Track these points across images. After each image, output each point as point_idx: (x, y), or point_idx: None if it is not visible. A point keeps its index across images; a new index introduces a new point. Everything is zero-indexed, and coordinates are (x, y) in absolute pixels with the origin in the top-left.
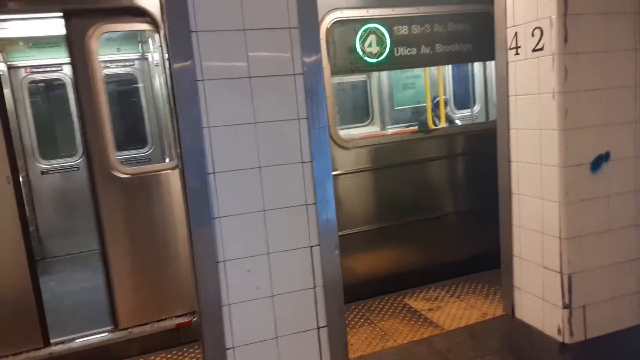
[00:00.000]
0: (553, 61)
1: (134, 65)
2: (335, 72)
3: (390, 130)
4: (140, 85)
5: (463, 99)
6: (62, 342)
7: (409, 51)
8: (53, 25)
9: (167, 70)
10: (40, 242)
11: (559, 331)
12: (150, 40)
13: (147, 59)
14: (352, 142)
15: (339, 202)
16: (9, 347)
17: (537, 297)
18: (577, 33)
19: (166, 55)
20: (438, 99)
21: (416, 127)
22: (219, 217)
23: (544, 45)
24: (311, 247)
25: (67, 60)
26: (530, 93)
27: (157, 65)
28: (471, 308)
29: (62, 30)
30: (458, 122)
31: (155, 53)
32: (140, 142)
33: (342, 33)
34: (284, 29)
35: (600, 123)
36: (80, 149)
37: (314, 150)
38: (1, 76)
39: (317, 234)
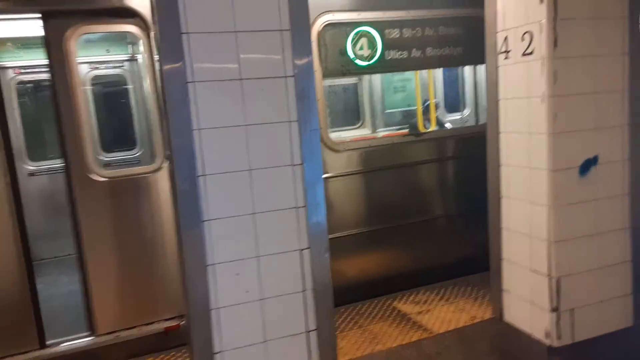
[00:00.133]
0: (542, 65)
1: (123, 66)
2: (326, 74)
3: (381, 133)
4: (129, 86)
5: (454, 103)
6: (57, 344)
7: (400, 54)
8: (41, 25)
9: (158, 72)
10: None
11: (547, 335)
12: (141, 41)
13: (137, 60)
14: (343, 144)
15: (329, 204)
16: (4, 348)
17: (526, 301)
18: (567, 37)
19: (156, 57)
20: (429, 102)
21: (407, 130)
22: (209, 220)
23: (533, 49)
24: (301, 250)
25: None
26: (519, 97)
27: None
28: (460, 311)
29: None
30: (449, 125)
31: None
32: (129, 144)
33: (333, 36)
34: (276, 32)
35: (589, 127)
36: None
37: (305, 153)
38: None
39: (307, 237)
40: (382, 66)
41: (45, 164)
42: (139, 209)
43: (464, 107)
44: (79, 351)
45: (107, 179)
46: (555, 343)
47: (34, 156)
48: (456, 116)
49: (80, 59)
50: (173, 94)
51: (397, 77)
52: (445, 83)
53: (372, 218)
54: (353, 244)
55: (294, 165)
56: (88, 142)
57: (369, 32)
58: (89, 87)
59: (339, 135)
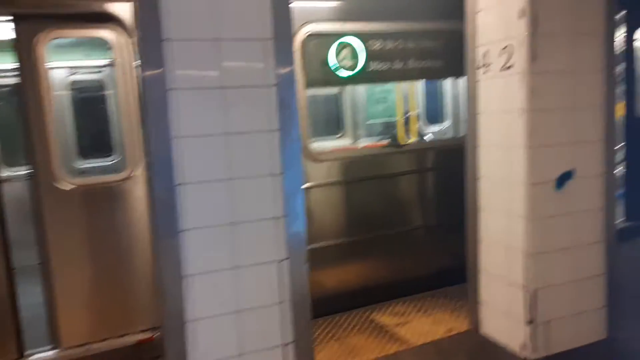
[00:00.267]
0: (521, 80)
1: (103, 71)
2: (308, 84)
3: (362, 143)
4: (109, 92)
5: (434, 115)
6: (36, 354)
7: (382, 66)
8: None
9: (138, 78)
10: None
11: (523, 347)
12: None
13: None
14: (323, 154)
15: (308, 214)
16: None
17: (502, 313)
18: (545, 53)
19: (137, 63)
20: (409, 113)
21: (388, 141)
22: (186, 230)
23: (513, 63)
24: (280, 261)
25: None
26: (498, 110)
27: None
28: (438, 323)
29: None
30: (429, 137)
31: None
32: (106, 150)
33: (316, 46)
34: (258, 40)
35: (566, 141)
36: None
37: (286, 163)
38: None
39: (286, 247)
40: (364, 77)
41: (20, 170)
42: (109, 219)
43: (444, 120)
44: None
45: (74, 187)
46: (531, 356)
47: (8, 162)
48: (436, 128)
49: (57, 64)
50: (153, 100)
51: (378, 88)
52: (426, 95)
53: (352, 228)
54: (332, 255)
55: (274, 175)
56: (55, 149)
57: (351, 43)
58: (67, 92)
59: (320, 145)
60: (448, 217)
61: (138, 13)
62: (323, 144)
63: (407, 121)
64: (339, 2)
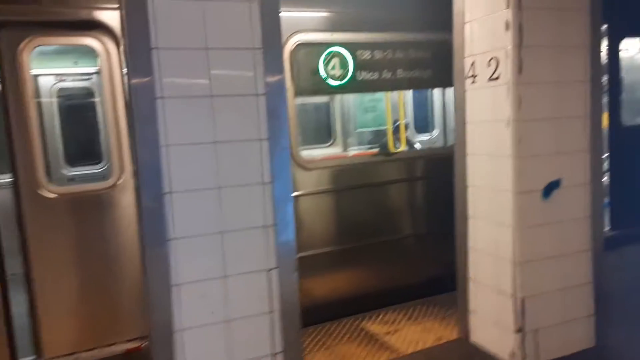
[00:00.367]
0: (508, 90)
1: (91, 79)
2: (298, 93)
3: (352, 152)
4: (97, 99)
5: (423, 124)
6: None
7: (371, 75)
8: None
9: (126, 86)
10: None
11: (512, 355)
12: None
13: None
14: (313, 163)
15: (298, 223)
16: None
17: (491, 321)
18: (532, 64)
19: (124, 71)
20: (399, 122)
21: (377, 150)
22: (175, 239)
23: (499, 74)
24: (269, 270)
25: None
26: (486, 120)
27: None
28: (428, 332)
29: None
30: (418, 145)
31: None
32: (95, 158)
33: (305, 55)
34: (248, 50)
35: (553, 151)
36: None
37: (275, 171)
38: None
39: (275, 256)
40: (353, 86)
41: (4, 177)
42: (95, 227)
43: (433, 129)
44: None
45: (57, 196)
46: None
47: None
48: (425, 137)
49: (44, 71)
50: (141, 109)
51: (368, 97)
52: (415, 104)
53: (342, 236)
54: (322, 263)
55: (264, 183)
56: (38, 156)
57: (340, 53)
58: (54, 100)
59: (309, 153)
60: (437, 225)
61: (125, 21)
62: (313, 152)
63: (396, 130)
64: (328, 13)
